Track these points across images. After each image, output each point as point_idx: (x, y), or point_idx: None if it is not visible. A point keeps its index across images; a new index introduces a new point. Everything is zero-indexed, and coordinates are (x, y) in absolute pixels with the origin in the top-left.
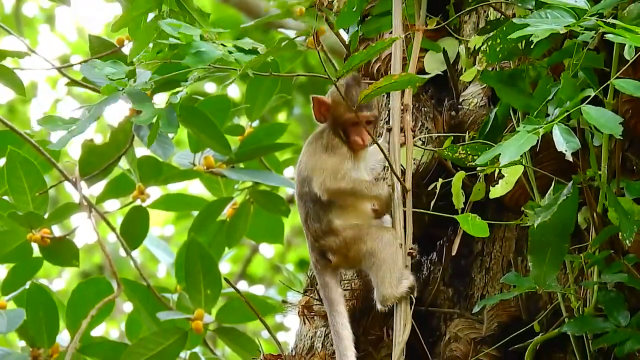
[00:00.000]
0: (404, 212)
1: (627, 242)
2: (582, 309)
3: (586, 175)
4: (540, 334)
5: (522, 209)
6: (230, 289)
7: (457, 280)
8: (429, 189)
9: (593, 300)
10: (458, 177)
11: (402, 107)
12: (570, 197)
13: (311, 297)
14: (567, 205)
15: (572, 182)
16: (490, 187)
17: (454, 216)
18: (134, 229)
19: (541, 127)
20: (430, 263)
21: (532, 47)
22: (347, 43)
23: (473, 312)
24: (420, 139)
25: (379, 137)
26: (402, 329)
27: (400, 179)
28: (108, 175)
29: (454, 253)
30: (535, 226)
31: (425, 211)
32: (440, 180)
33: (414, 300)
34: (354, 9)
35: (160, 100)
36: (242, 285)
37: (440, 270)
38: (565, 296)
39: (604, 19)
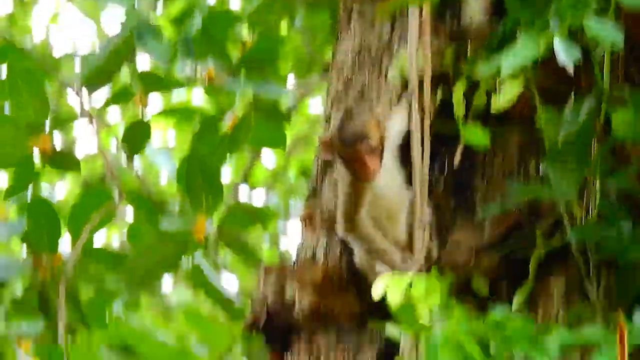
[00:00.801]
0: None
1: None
2: (585, 218)
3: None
4: (543, 242)
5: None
6: (232, 197)
7: (459, 188)
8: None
9: (596, 209)
10: (459, 86)
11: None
12: (592, 109)
13: (311, 211)
14: (589, 118)
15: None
16: (492, 100)
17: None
18: (136, 138)
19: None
20: (434, 172)
21: None
22: None
23: (475, 219)
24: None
25: None
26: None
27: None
28: (109, 84)
29: (456, 162)
30: (559, 139)
31: None
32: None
33: None
34: None
35: None
36: (244, 193)
37: (443, 179)
38: (568, 205)
39: None
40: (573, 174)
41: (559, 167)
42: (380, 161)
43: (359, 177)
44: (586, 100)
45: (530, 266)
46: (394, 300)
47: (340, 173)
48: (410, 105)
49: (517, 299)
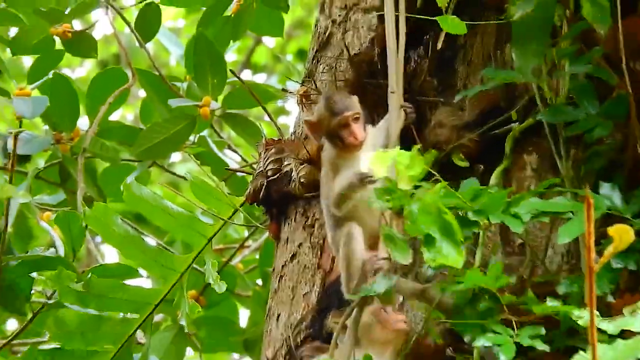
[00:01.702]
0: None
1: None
2: (555, 99)
3: None
4: (517, 122)
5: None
6: (236, 78)
7: (441, 71)
8: None
9: (565, 90)
10: None
11: None
12: None
13: (309, 87)
14: None
15: None
16: None
17: (435, 18)
18: (148, 23)
19: None
20: (417, 56)
21: None
22: None
23: (455, 100)
24: None
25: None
26: (396, 118)
27: None
28: None
29: (438, 47)
30: (518, 19)
31: (410, 15)
32: None
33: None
34: None
35: None
36: (246, 74)
37: (427, 63)
38: (540, 87)
39: None
40: (534, 56)
41: (520, 48)
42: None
43: (348, 147)
44: None
45: (506, 144)
46: (379, 173)
47: (328, 151)
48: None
49: (495, 174)
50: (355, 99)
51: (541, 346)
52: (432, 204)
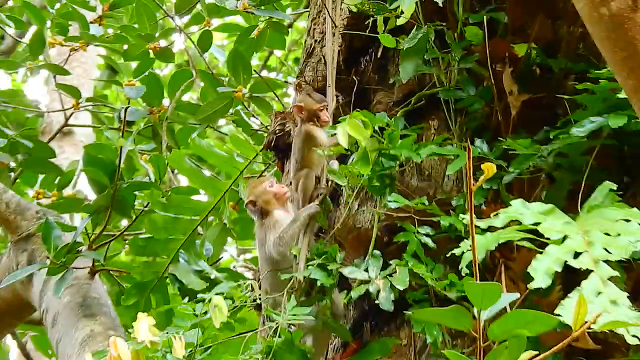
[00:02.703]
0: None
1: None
2: (449, 84)
3: None
4: (423, 100)
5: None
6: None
7: (379, 70)
8: None
9: (454, 79)
10: (380, 18)
11: None
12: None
13: (301, 80)
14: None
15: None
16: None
17: (377, 35)
18: (204, 41)
19: None
20: (365, 61)
21: None
22: None
23: (390, 82)
24: None
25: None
26: (332, 102)
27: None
28: (191, 12)
29: (378, 55)
30: (404, 47)
31: (358, 32)
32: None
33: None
34: None
35: None
36: (264, 73)
37: (371, 65)
38: (439, 77)
39: None
40: (411, 69)
41: (404, 64)
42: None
43: (321, 123)
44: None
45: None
46: (342, 141)
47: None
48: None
49: (411, 131)
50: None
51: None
52: (363, 147)
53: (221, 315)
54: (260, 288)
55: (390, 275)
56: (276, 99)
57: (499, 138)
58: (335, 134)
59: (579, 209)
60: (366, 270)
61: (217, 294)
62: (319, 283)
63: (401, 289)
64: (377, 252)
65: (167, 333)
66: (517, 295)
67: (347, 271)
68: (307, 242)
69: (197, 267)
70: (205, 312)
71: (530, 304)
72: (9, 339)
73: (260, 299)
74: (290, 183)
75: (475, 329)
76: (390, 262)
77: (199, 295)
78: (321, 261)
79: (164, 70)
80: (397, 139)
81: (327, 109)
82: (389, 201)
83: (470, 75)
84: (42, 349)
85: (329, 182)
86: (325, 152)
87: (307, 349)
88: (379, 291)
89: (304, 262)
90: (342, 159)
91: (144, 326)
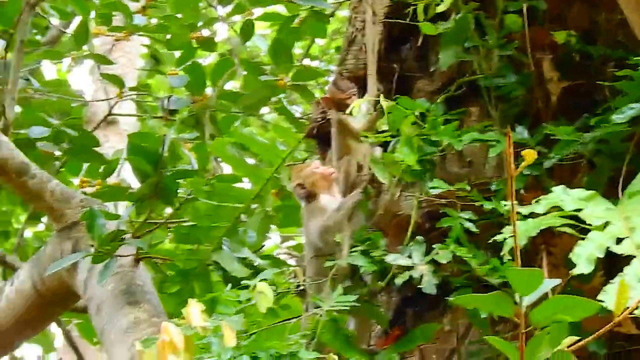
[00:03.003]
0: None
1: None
2: (489, 72)
3: None
4: (463, 87)
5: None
6: (299, 63)
7: (420, 58)
8: None
9: (494, 67)
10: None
11: None
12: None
13: (342, 68)
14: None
15: None
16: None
17: (418, 23)
18: (247, 31)
19: None
20: (405, 49)
21: None
22: None
23: (431, 70)
24: None
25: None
26: (374, 92)
27: None
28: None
29: (419, 43)
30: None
31: (398, 20)
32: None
33: None
34: None
35: None
36: (306, 61)
37: (411, 53)
38: (479, 64)
39: None
40: (451, 56)
41: (444, 51)
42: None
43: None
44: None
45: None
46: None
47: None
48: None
49: (452, 117)
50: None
51: (474, 230)
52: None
53: (266, 301)
54: (304, 274)
55: (433, 260)
56: (318, 87)
57: (540, 124)
58: (368, 119)
59: (620, 195)
60: (409, 256)
61: (261, 280)
62: (362, 270)
63: (444, 262)
64: (420, 237)
65: (213, 319)
66: (559, 280)
67: (390, 258)
68: (350, 229)
69: (240, 255)
70: (249, 299)
71: (572, 289)
72: (54, 327)
73: (304, 285)
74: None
75: (517, 315)
76: (433, 246)
77: (243, 282)
78: (364, 248)
79: (207, 60)
80: (440, 125)
81: (354, 96)
82: (431, 187)
83: (510, 62)
84: (87, 337)
85: (371, 169)
86: (367, 140)
87: (351, 333)
88: (422, 276)
89: (348, 248)
90: (383, 145)
91: (196, 311)
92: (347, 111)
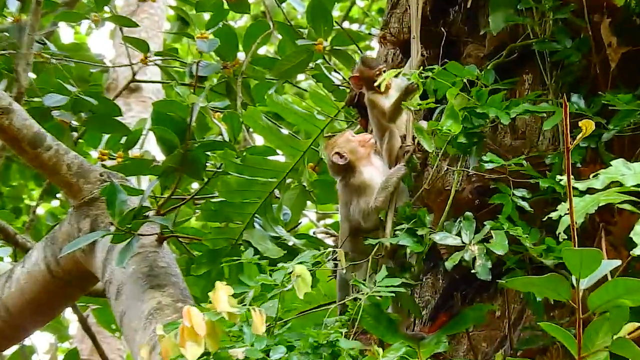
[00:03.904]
0: None
1: None
2: (543, 36)
3: None
4: (516, 53)
5: None
6: (338, 26)
7: (469, 21)
8: None
9: (549, 32)
10: None
11: None
12: None
13: (385, 32)
14: None
15: None
16: None
17: None
18: None
19: None
20: (454, 12)
21: None
22: None
23: (481, 33)
24: None
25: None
26: (416, 57)
27: None
28: None
29: (468, 5)
30: None
31: None
32: None
33: None
34: None
35: None
36: (345, 24)
37: (460, 16)
38: (533, 28)
39: None
40: (502, 20)
41: (494, 15)
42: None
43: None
44: None
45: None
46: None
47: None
48: None
49: (503, 86)
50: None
51: (528, 209)
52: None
53: (305, 285)
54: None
55: (486, 240)
56: (359, 52)
57: (597, 93)
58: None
59: None
60: (458, 234)
61: (300, 262)
62: (408, 250)
63: (501, 253)
64: (469, 214)
65: (244, 304)
66: (619, 262)
67: (438, 237)
68: (394, 206)
69: (273, 234)
70: (285, 283)
71: (633, 271)
72: (68, 312)
73: (344, 268)
74: (375, 142)
75: (573, 299)
76: (485, 224)
77: (280, 264)
78: (410, 226)
79: (239, 22)
80: (486, 96)
81: (384, 71)
82: (484, 161)
83: (566, 26)
84: (105, 323)
85: (416, 139)
86: (411, 108)
87: (395, 318)
88: (474, 259)
89: (391, 226)
90: (429, 114)
91: (223, 296)
92: (376, 86)
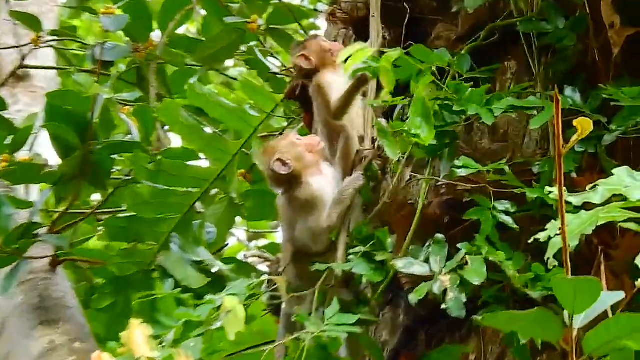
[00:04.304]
0: None
1: None
2: (531, 14)
3: None
4: (496, 34)
5: None
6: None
7: None
8: None
9: (537, 8)
10: None
11: None
12: None
13: (335, 7)
14: None
15: None
16: None
17: None
18: None
19: None
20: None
21: None
22: None
23: (453, 11)
24: None
25: None
26: (376, 37)
27: None
28: None
29: None
30: None
31: None
32: None
33: None
34: None
35: None
36: None
37: None
38: (517, 4)
39: None
40: None
41: None
42: None
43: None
44: None
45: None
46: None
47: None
48: None
49: (480, 74)
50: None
51: (512, 226)
52: (421, 97)
53: (238, 323)
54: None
55: (460, 267)
56: (302, 32)
57: (597, 85)
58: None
59: None
60: (426, 261)
61: (230, 294)
62: (364, 279)
63: (477, 283)
64: (440, 236)
65: (163, 345)
66: (622, 294)
67: (401, 264)
68: (348, 223)
69: (194, 257)
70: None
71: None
72: None
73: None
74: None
75: (566, 340)
76: (459, 247)
77: (207, 297)
78: (367, 249)
79: None
80: (465, 89)
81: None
82: (457, 167)
83: (559, 2)
84: None
85: (375, 142)
86: (373, 104)
87: None
88: (445, 291)
89: (344, 249)
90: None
91: (140, 337)
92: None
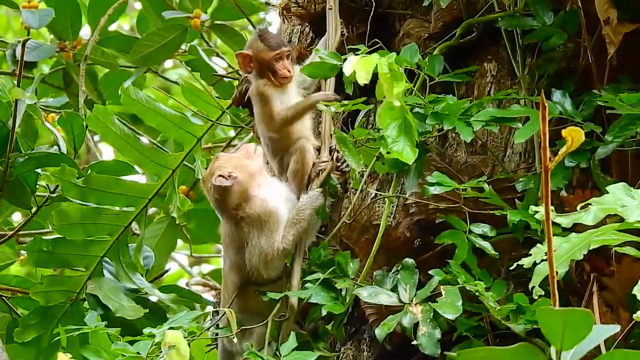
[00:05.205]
0: None
1: None
2: (514, 8)
3: None
4: (474, 32)
5: None
6: None
7: None
8: None
9: (522, 1)
10: None
11: None
12: None
13: (289, 2)
14: None
15: None
16: None
17: None
18: None
19: None
20: None
21: None
22: None
23: (422, 12)
24: None
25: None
26: (334, 32)
27: None
28: None
29: None
30: None
31: None
32: None
33: None
34: None
35: None
36: None
37: None
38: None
39: None
40: None
41: None
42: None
43: (279, 80)
44: None
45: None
46: (362, 79)
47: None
48: None
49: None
50: (284, 38)
51: (490, 252)
52: (394, 105)
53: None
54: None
55: (432, 298)
56: (249, 29)
57: (590, 90)
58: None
59: None
60: (394, 289)
61: (172, 328)
62: (323, 311)
63: (451, 318)
64: (409, 261)
65: None
66: (617, 327)
67: (365, 293)
68: (303, 247)
69: (130, 285)
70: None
71: (637, 340)
72: None
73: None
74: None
75: None
76: (431, 273)
77: (147, 330)
78: (327, 275)
79: None
80: (446, 102)
81: (287, 57)
82: (429, 184)
83: None
84: None
85: (334, 154)
86: (331, 109)
87: None
88: (416, 324)
89: (299, 276)
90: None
91: None
92: (279, 81)
